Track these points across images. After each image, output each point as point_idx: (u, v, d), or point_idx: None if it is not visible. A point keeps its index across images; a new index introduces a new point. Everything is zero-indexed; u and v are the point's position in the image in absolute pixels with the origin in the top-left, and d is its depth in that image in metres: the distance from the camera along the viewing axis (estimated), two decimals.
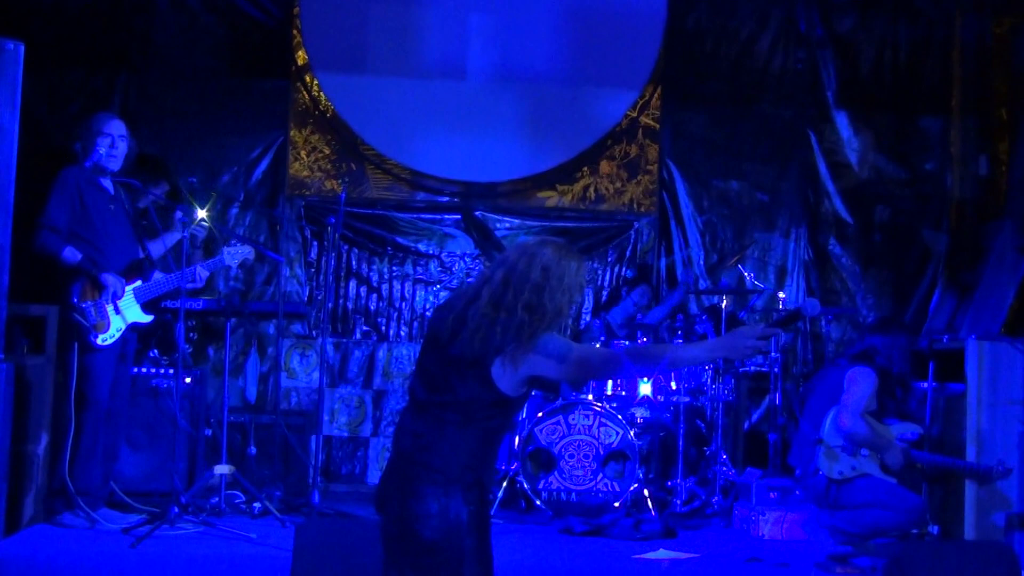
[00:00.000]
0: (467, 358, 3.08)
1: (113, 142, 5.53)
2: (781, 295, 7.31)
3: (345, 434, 7.55)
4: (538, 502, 6.24)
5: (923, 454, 5.54)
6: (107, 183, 5.59)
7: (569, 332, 7.75)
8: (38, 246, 5.39)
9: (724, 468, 6.49)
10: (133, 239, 5.65)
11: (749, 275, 7.14)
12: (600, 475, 6.29)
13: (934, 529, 5.83)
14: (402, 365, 7.61)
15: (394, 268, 7.71)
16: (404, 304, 7.66)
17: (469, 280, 3.02)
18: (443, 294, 7.66)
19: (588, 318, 7.70)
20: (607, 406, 6.38)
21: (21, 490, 5.32)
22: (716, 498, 6.37)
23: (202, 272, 5.69)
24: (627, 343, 6.72)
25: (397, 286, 7.66)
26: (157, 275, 5.63)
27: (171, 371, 6.22)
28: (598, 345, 6.81)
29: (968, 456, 5.76)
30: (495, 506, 6.22)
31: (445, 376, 3.12)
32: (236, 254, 5.82)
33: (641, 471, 6.25)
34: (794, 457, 5.72)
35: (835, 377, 5.51)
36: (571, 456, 6.30)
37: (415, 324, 7.67)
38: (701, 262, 7.82)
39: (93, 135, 5.51)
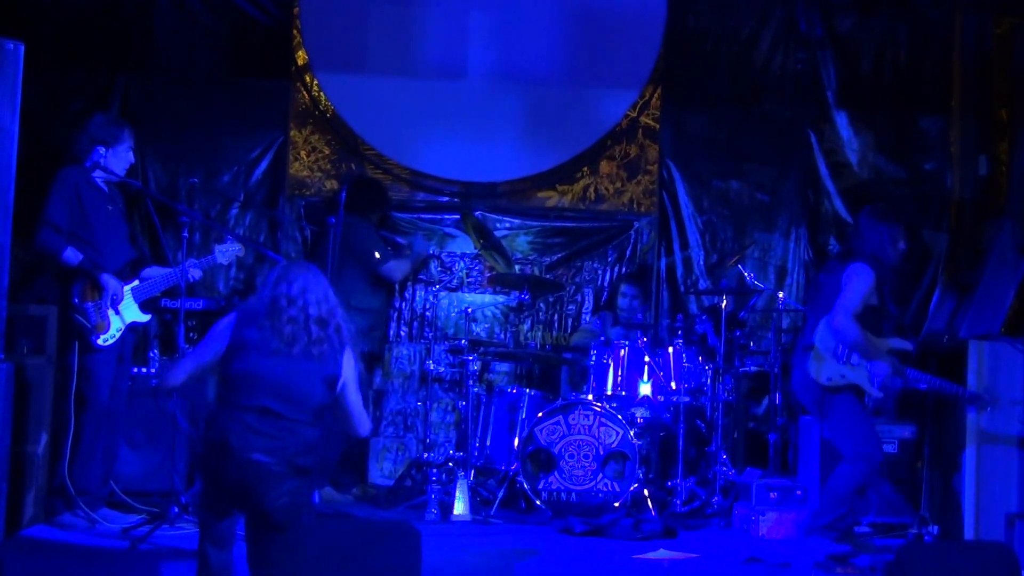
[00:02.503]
0: (327, 362, 3.93)
1: (127, 147, 5.58)
2: (781, 295, 7.30)
3: None
4: (538, 502, 6.24)
5: (915, 371, 5.50)
6: (103, 183, 5.60)
7: (569, 330, 7.74)
8: (39, 245, 5.41)
9: (724, 468, 6.49)
10: (128, 239, 5.70)
11: (749, 275, 7.13)
12: (600, 475, 6.29)
13: (934, 529, 5.83)
14: (402, 365, 7.61)
15: None
16: (404, 304, 7.66)
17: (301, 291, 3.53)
18: (443, 294, 7.65)
19: (588, 318, 7.69)
20: (607, 406, 6.38)
21: (21, 490, 5.32)
22: (716, 498, 6.37)
23: (195, 272, 5.72)
24: (627, 342, 6.72)
25: (397, 286, 7.64)
26: (153, 273, 5.65)
27: None
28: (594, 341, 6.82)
29: (968, 454, 5.77)
30: (495, 506, 6.22)
31: (291, 383, 3.88)
32: (227, 252, 5.86)
33: (641, 471, 6.25)
34: (796, 384, 5.64)
35: (831, 283, 5.47)
36: (571, 456, 6.30)
37: (415, 324, 7.66)
38: (701, 262, 7.82)
39: (104, 138, 5.52)
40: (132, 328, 5.59)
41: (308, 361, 3.91)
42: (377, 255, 6.86)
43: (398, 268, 7.01)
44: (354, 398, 4.08)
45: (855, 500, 5.36)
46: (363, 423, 4.14)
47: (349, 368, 4.03)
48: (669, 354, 6.69)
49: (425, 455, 6.68)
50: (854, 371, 5.32)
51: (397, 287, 7.53)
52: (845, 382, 5.32)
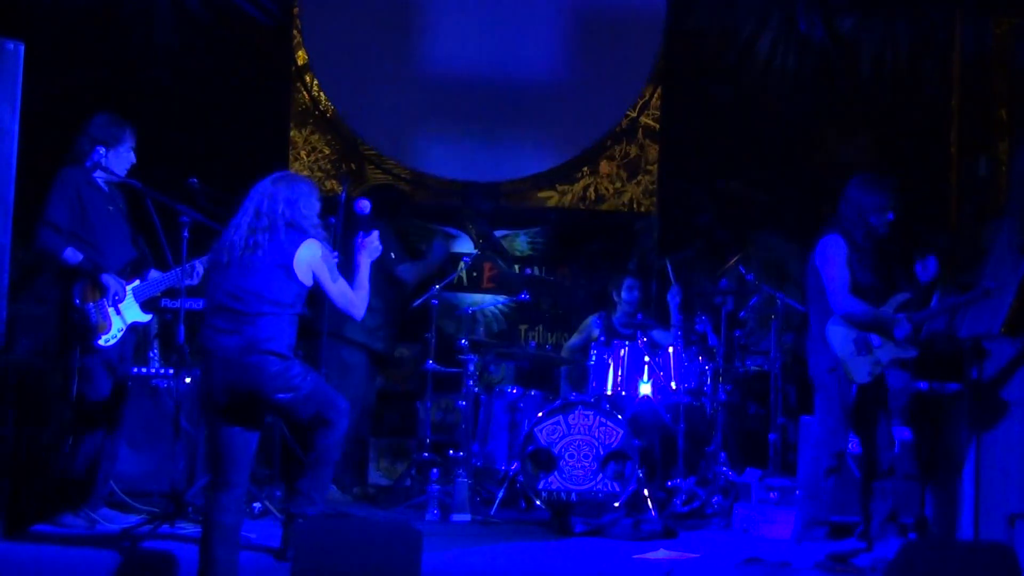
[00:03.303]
0: (272, 258, 4.31)
1: (128, 147, 5.58)
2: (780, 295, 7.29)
3: None
4: (538, 502, 6.24)
5: (921, 313, 5.44)
6: (103, 183, 5.60)
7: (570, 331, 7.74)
8: (39, 245, 5.40)
9: (724, 468, 6.49)
10: (129, 239, 5.69)
11: (749, 275, 7.13)
12: (600, 475, 6.29)
13: (934, 529, 5.83)
14: None
15: None
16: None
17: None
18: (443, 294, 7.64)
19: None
20: (607, 406, 6.37)
21: (21, 490, 5.32)
22: (716, 498, 6.37)
23: (199, 268, 5.71)
24: (627, 343, 6.71)
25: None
26: (154, 273, 5.65)
27: (171, 371, 6.23)
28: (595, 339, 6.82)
29: (968, 454, 5.75)
30: (495, 506, 6.23)
31: (241, 284, 4.29)
32: None
33: (641, 471, 6.25)
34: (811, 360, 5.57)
35: (810, 262, 5.43)
36: (571, 456, 6.30)
37: None
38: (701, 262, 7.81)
39: (104, 138, 5.52)
40: (133, 328, 5.58)
41: (253, 261, 4.30)
42: (392, 255, 6.81)
43: (412, 270, 6.98)
44: (331, 286, 4.42)
45: (831, 492, 5.34)
46: (353, 307, 4.52)
47: (308, 259, 4.35)
48: (669, 354, 6.69)
49: (425, 455, 6.68)
50: (882, 350, 5.26)
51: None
52: (881, 368, 5.26)
